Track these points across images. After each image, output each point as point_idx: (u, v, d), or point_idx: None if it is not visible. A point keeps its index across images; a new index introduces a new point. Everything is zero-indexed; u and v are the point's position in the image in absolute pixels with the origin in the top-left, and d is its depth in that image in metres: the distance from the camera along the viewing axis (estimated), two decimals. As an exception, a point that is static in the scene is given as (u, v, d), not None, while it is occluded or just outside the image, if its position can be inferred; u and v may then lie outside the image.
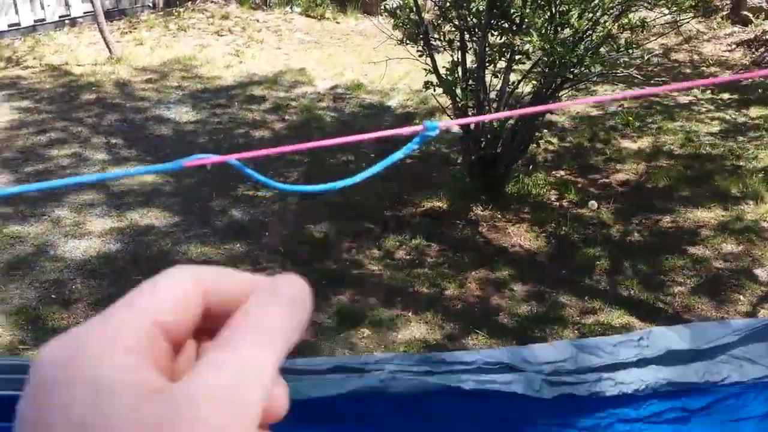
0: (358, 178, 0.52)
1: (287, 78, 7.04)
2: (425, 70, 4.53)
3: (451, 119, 4.70)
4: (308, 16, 8.78)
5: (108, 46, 7.00)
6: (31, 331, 3.48)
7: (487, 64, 4.49)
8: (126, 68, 6.99)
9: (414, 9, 4.64)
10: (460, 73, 4.51)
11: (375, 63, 6.46)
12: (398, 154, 0.52)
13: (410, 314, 3.77)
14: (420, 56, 4.55)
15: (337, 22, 8.79)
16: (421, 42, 4.63)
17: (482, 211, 4.59)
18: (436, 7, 5.07)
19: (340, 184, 0.52)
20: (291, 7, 8.82)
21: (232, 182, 4.96)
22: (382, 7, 7.63)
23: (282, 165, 5.26)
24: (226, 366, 0.29)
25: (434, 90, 4.58)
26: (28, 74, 6.92)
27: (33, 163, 5.12)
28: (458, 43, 4.49)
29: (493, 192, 4.61)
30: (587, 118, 6.07)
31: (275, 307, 0.32)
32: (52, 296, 3.72)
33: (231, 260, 4.11)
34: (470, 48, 4.55)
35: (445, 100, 4.89)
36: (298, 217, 4.59)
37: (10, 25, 7.81)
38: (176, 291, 0.32)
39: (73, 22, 8.16)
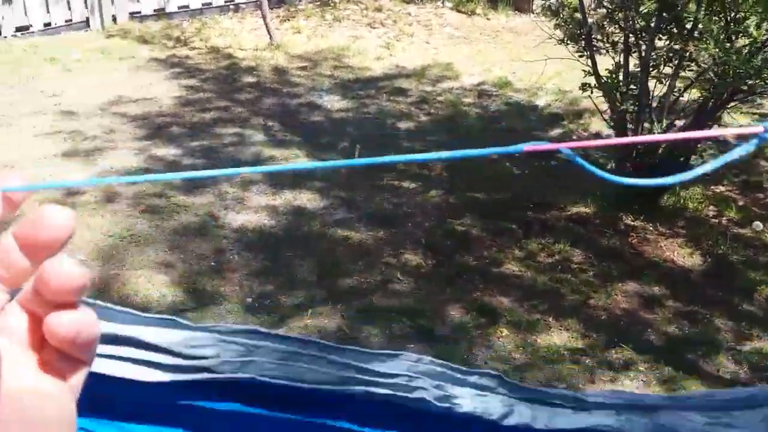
0: (689, 175, 0.51)
1: (434, 72, 7.10)
2: (584, 71, 4.42)
3: (608, 124, 4.57)
4: (459, 11, 8.79)
5: (269, 33, 7.37)
6: (193, 296, 3.75)
7: (651, 69, 4.31)
8: (283, 55, 7.32)
9: (578, 8, 4.53)
10: (621, 77, 4.37)
11: (525, 61, 6.38)
12: (730, 156, 0.50)
13: (551, 319, 3.72)
14: (580, 57, 4.44)
15: (488, 18, 8.74)
16: (583, 42, 4.52)
17: (633, 221, 4.42)
18: (602, 8, 4.92)
19: (671, 180, 0.51)
20: (442, 2, 8.87)
21: (378, 171, 5.08)
22: (539, 5, 7.49)
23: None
24: None
25: (592, 92, 4.46)
26: (195, 54, 7.42)
27: (198, 138, 5.50)
28: (622, 46, 4.34)
29: (647, 202, 4.42)
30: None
31: None
32: (212, 264, 3.99)
33: (374, 246, 4.22)
34: (634, 51, 4.38)
35: (602, 104, 4.75)
36: (440, 210, 4.64)
37: (179, 7, 8.41)
38: None
39: (237, 7, 8.65)
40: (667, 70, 4.39)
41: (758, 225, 4.26)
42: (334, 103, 6.29)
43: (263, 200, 4.62)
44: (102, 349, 0.60)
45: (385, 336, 3.57)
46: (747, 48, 3.82)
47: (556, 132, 5.72)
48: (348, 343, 3.05)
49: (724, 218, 4.46)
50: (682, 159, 4.38)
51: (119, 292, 3.72)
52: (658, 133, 4.18)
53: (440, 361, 0.70)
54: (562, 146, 0.51)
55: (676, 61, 4.25)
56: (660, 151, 4.31)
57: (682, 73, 4.43)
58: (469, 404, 0.66)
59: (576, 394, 0.74)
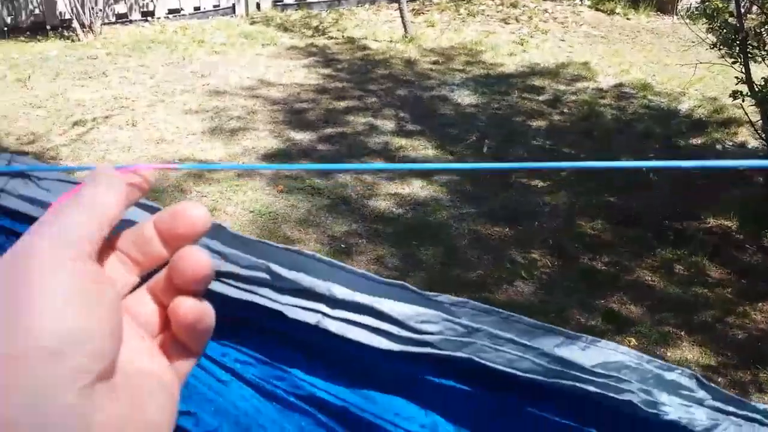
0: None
1: (569, 71, 6.95)
2: (736, 78, 4.19)
3: (758, 134, 4.31)
4: (597, 9, 8.54)
5: (404, 26, 7.49)
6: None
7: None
8: (416, 48, 7.42)
9: (734, 12, 4.30)
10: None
11: (666, 65, 6.13)
12: None
13: (682, 333, 3.57)
14: (733, 63, 4.21)
15: (628, 18, 8.43)
16: (737, 48, 4.29)
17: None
18: (759, 13, 4.63)
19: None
20: (581, 0, 8.64)
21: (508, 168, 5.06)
22: (684, 6, 7.16)
23: (555, 158, 5.24)
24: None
25: (743, 101, 4.23)
26: (332, 44, 7.67)
27: (332, 125, 5.70)
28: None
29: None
30: None
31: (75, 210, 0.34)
32: (342, 246, 4.15)
33: (500, 242, 4.22)
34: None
35: (753, 113, 4.49)
36: (569, 212, 4.56)
37: (319, -2, 8.72)
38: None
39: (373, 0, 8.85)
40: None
41: None
42: (464, 97, 6.31)
43: (392, 188, 4.72)
44: (344, 314, 0.65)
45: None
46: None
47: (698, 140, 5.45)
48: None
49: None
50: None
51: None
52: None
53: (646, 357, 0.70)
54: None
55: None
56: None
57: None
58: (674, 413, 0.66)
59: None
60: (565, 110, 6.11)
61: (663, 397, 0.66)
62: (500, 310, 0.69)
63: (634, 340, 3.53)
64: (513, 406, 0.71)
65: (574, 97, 6.36)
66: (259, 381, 0.69)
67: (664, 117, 5.93)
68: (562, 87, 6.60)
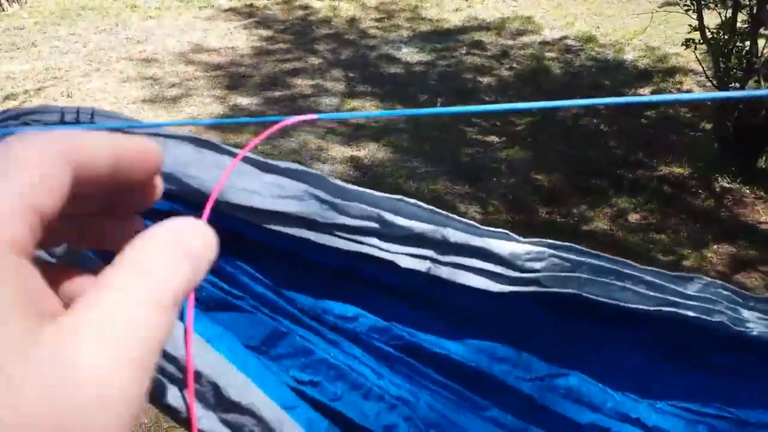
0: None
1: (515, 25, 6.91)
2: (690, 26, 4.23)
3: (711, 81, 4.38)
4: (538, -38, 8.49)
5: (346, -17, 7.28)
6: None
7: (762, 27, 4.09)
8: (359, 5, 7.24)
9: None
10: (726, 35, 4.16)
11: (610, 16, 6.15)
12: None
13: (643, 279, 3.64)
14: (687, 11, 4.24)
15: (569, -29, 8.43)
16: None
17: (729, 183, 4.26)
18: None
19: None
20: (521, -47, 8.57)
21: (461, 124, 5.02)
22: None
23: (510, 113, 5.22)
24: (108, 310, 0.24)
25: (695, 49, 4.27)
26: (272, 4, 7.40)
27: (278, 88, 5.52)
28: (731, 1, 4.12)
29: (744, 164, 4.25)
30: None
31: (177, 263, 0.27)
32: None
33: (459, 200, 4.19)
34: (744, 6, 4.15)
35: (705, 62, 4.55)
36: (526, 166, 4.56)
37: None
38: (45, 167, 0.25)
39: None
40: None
41: None
42: (412, 55, 6.21)
43: (348, 151, 4.62)
44: (455, 258, 0.64)
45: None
46: None
47: (646, 90, 5.52)
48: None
49: (828, 183, 4.25)
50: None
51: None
52: None
53: (730, 286, 0.71)
54: None
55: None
56: (764, 111, 4.11)
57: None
58: (761, 328, 0.67)
59: None
60: (514, 65, 6.09)
61: (746, 314, 0.66)
62: (598, 253, 0.67)
63: (597, 289, 3.57)
64: (612, 337, 0.70)
65: (521, 52, 6.34)
66: (372, 340, 0.67)
67: (610, 68, 5.98)
68: (509, 42, 6.56)
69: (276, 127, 0.37)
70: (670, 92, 5.46)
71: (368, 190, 0.67)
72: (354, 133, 4.86)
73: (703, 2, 4.16)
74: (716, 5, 4.20)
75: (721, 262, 3.75)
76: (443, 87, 5.61)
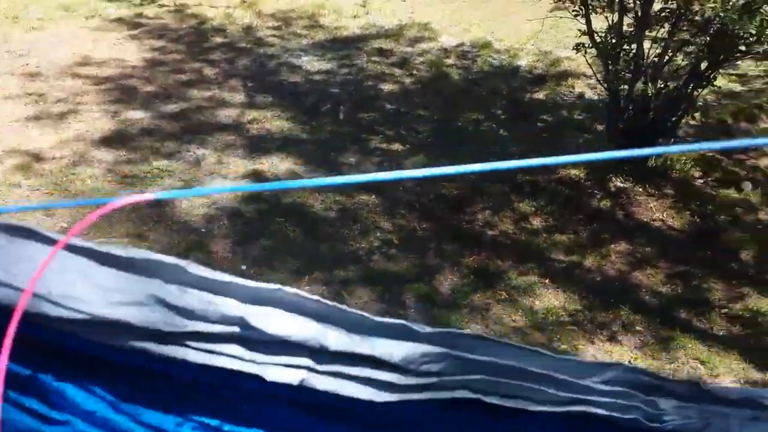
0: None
1: (413, 32, 6.96)
2: (579, 30, 4.38)
3: (601, 84, 4.54)
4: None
5: (241, -10, 7.10)
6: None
7: (647, 29, 4.29)
8: (255, 13, 7.08)
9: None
10: (614, 38, 4.32)
11: (503, 21, 6.30)
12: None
13: (547, 281, 3.73)
14: (575, 16, 4.38)
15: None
16: (579, 1, 4.45)
17: (622, 183, 4.45)
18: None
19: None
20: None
21: (364, 134, 4.99)
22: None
23: (411, 120, 5.24)
24: None
25: (585, 53, 4.42)
26: (163, 13, 7.11)
27: (172, 101, 5.29)
28: (618, 5, 4.29)
29: (635, 165, 4.44)
30: (731, 95, 5.73)
31: None
32: (202, 230, 3.88)
33: (366, 211, 4.15)
34: (630, 10, 4.32)
35: (590, 65, 4.72)
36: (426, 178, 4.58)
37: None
38: None
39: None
40: (662, 33, 4.36)
41: (748, 185, 4.32)
42: (312, 63, 6.13)
43: (250, 165, 4.49)
44: (336, 368, 0.55)
45: (384, 301, 3.54)
46: (747, 7, 3.78)
47: (540, 95, 5.68)
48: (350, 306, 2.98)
49: (710, 179, 4.52)
50: (674, 119, 4.39)
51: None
52: (651, 93, 4.18)
53: (649, 371, 0.66)
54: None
55: (673, 21, 4.22)
56: (651, 112, 4.32)
57: (678, 36, 4.41)
58: (677, 421, 0.62)
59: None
60: (414, 72, 6.12)
61: (664, 404, 0.62)
62: (493, 338, 0.60)
63: (504, 293, 3.63)
64: None
65: (420, 59, 6.39)
66: None
67: (506, 74, 6.12)
68: (407, 49, 6.60)
69: (103, 210, 0.30)
70: (563, 95, 5.65)
71: (241, 281, 0.57)
72: (255, 144, 4.73)
73: (590, 6, 4.31)
74: (603, 9, 4.36)
75: (619, 261, 3.90)
76: (345, 95, 5.57)
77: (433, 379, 0.58)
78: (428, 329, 0.59)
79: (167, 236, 3.81)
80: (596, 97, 5.49)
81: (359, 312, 0.56)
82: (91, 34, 6.41)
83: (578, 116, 5.38)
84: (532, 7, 6.47)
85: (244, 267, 3.66)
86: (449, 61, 6.34)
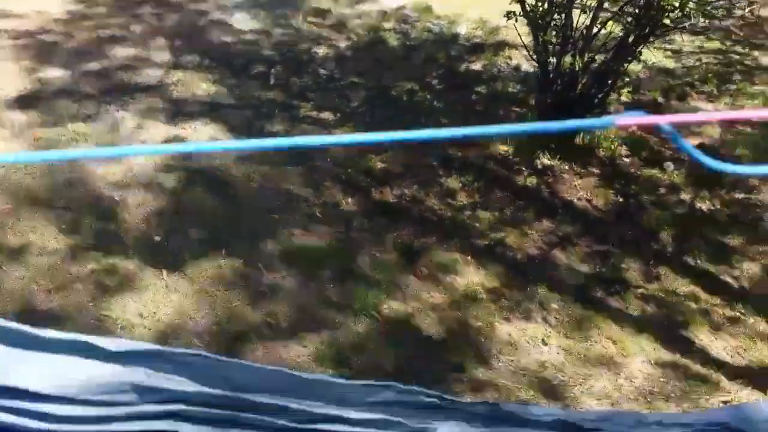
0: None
1: (353, -7, 6.77)
2: (507, -2, 4.29)
3: (531, 56, 4.50)
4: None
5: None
6: (91, 233, 3.51)
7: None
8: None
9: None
10: (545, 6, 4.25)
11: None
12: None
13: (469, 258, 3.73)
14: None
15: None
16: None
17: (549, 160, 4.45)
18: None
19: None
20: None
21: (296, 101, 4.86)
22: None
23: (344, 87, 5.13)
24: None
25: (516, 21, 4.34)
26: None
27: (93, 59, 5.03)
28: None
29: (562, 142, 4.45)
30: (663, 71, 5.78)
31: None
32: (117, 200, 3.73)
33: (293, 182, 4.06)
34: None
35: (525, 35, 4.67)
36: (360, 146, 4.50)
37: None
38: None
39: None
40: (591, 2, 4.32)
41: (669, 165, 4.38)
42: (245, 22, 5.90)
43: (172, 131, 4.32)
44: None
45: (304, 276, 3.49)
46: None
47: (477, 65, 5.62)
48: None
49: (636, 158, 4.56)
50: (601, 95, 4.40)
51: (14, 229, 3.42)
52: (579, 66, 4.16)
53: (432, 392, 0.63)
54: (662, 120, 0.42)
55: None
56: (580, 86, 4.31)
57: (606, 5, 4.38)
58: None
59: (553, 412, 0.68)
60: (351, 36, 5.97)
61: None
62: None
63: (425, 269, 3.62)
64: None
65: (359, 21, 6.23)
66: None
67: (445, 41, 6.02)
68: (347, 10, 6.41)
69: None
70: (500, 66, 5.60)
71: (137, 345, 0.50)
72: (178, 108, 4.55)
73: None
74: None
75: (541, 239, 3.92)
76: (278, 58, 5.39)
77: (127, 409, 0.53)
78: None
79: (79, 202, 3.65)
80: (532, 69, 5.46)
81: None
82: (9, -18, 6.02)
83: (512, 89, 5.34)
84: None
85: (157, 238, 3.55)
86: (388, 25, 6.20)
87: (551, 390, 3.03)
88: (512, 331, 3.33)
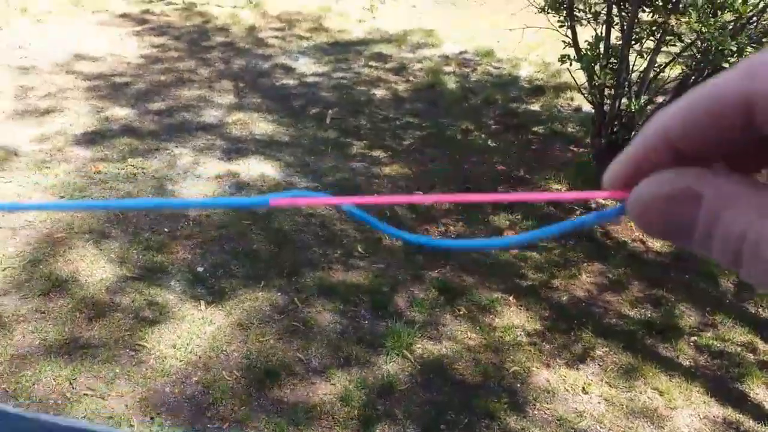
0: (513, 240, 0.36)
1: (416, 38, 6.87)
2: (564, 42, 4.23)
3: (586, 98, 4.39)
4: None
5: (246, -9, 7.10)
6: (140, 262, 3.61)
7: (633, 43, 4.12)
8: (261, 13, 7.07)
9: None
10: (601, 50, 4.18)
11: (510, 30, 6.15)
12: (586, 220, 0.36)
13: (511, 299, 3.60)
14: (560, 27, 4.24)
15: (476, -16, 8.48)
16: (564, 12, 4.32)
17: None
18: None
19: (483, 243, 0.37)
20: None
21: (349, 139, 4.91)
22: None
23: (399, 127, 5.15)
24: None
25: (570, 65, 4.28)
26: (170, 10, 7.15)
27: (161, 99, 5.28)
28: (604, 17, 4.15)
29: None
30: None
31: None
32: (165, 230, 3.84)
33: (336, 218, 4.07)
34: (616, 23, 4.19)
35: (581, 77, 4.57)
36: (409, 182, 4.48)
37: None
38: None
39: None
40: (649, 44, 4.20)
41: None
42: (308, 66, 6.08)
43: (224, 166, 4.44)
44: None
45: (339, 312, 3.45)
46: (731, 24, 3.65)
47: (536, 106, 5.53)
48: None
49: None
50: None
51: (65, 257, 3.56)
52: (635, 109, 4.02)
53: None
54: (334, 201, 0.37)
55: (659, 35, 4.06)
56: (637, 128, 4.15)
57: (664, 49, 4.25)
58: None
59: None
60: (411, 78, 6.03)
61: None
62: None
63: (464, 309, 3.51)
64: None
65: (419, 65, 6.29)
66: None
67: (505, 84, 5.99)
68: (408, 55, 6.51)
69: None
70: (560, 108, 5.50)
71: None
72: (235, 145, 4.68)
73: (576, 18, 4.17)
74: (589, 22, 4.22)
75: (590, 281, 3.74)
76: (336, 99, 5.50)
77: None
78: None
79: (129, 233, 3.78)
80: (592, 110, 5.32)
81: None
82: (96, 29, 6.47)
83: (571, 129, 5.22)
84: (537, 17, 6.32)
85: (200, 269, 3.61)
86: (448, 69, 6.24)
87: (588, 441, 2.84)
88: (551, 378, 3.15)
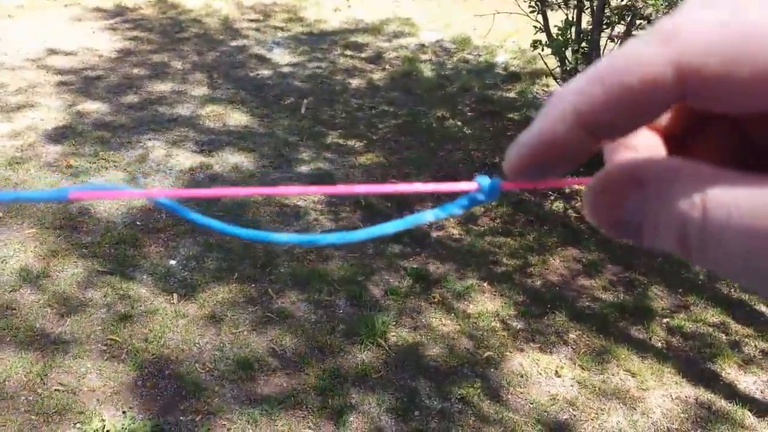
0: (363, 234, 0.34)
1: (392, 27, 6.84)
2: (535, 27, 4.23)
3: (559, 84, 4.40)
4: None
5: (220, -18, 7.03)
6: (115, 257, 3.58)
7: (604, 27, 4.13)
8: (235, 4, 7.01)
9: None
10: (573, 35, 4.18)
11: (481, 15, 6.14)
12: (427, 216, 0.33)
13: (485, 284, 3.61)
14: (531, 12, 4.24)
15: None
16: (534, -4, 4.32)
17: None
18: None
19: (341, 238, 0.34)
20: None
21: (324, 128, 4.89)
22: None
23: (375, 116, 5.13)
24: None
25: (542, 50, 4.28)
26: (144, 2, 7.08)
27: (131, 93, 5.23)
28: (575, 2, 4.15)
29: (592, 165, 4.28)
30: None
31: None
32: (137, 223, 3.81)
33: (310, 206, 4.06)
34: (587, 8, 4.19)
35: (554, 62, 4.58)
36: (384, 170, 4.47)
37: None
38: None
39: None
40: (620, 28, 4.21)
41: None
42: (283, 56, 6.04)
43: (197, 158, 4.41)
44: None
45: (313, 302, 3.44)
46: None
47: (511, 93, 5.53)
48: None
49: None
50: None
51: (36, 252, 3.53)
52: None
53: None
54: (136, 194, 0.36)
55: (629, 19, 4.07)
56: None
57: (635, 32, 4.26)
58: None
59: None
60: (387, 67, 6.01)
61: None
62: None
63: (438, 296, 3.51)
64: None
65: (395, 54, 6.27)
66: None
67: (481, 71, 5.98)
68: (385, 44, 6.48)
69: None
70: (535, 93, 5.50)
71: None
72: (208, 137, 4.65)
73: (547, 3, 4.17)
74: (560, 7, 4.22)
75: (564, 266, 3.76)
76: (311, 89, 5.47)
77: None
78: None
79: (96, 231, 3.75)
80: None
81: None
82: (67, 24, 6.39)
83: (547, 115, 5.22)
84: (509, 3, 6.33)
85: (173, 262, 3.59)
86: (425, 57, 6.22)
87: (560, 425, 2.85)
88: (524, 362, 3.17)
